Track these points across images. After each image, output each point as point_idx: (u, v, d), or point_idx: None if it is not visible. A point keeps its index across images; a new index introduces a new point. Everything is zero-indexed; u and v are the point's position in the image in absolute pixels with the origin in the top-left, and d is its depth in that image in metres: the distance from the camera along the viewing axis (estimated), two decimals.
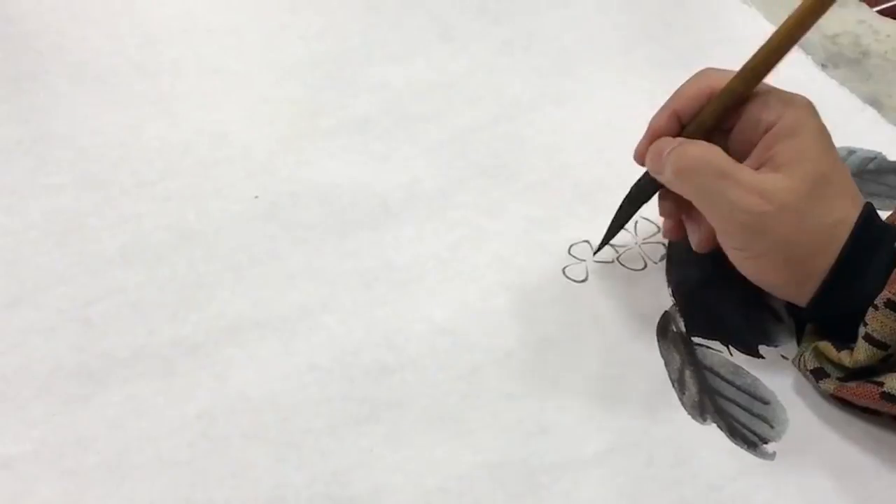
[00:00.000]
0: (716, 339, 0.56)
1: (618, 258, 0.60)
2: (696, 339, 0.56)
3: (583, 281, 0.58)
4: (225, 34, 0.75)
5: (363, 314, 0.56)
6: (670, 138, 0.54)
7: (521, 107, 0.70)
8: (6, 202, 0.61)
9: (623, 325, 0.56)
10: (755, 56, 0.51)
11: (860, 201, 0.51)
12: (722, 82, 0.52)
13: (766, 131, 0.51)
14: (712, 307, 0.57)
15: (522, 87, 0.71)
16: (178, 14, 0.76)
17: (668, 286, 0.58)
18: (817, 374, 0.52)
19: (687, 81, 0.54)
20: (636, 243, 0.61)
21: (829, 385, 0.51)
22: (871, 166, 0.65)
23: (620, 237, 0.59)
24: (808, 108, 0.52)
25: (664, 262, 0.59)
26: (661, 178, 0.54)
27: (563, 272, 0.59)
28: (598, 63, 0.74)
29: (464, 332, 0.56)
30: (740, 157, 0.52)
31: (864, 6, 0.79)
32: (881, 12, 0.79)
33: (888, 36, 0.76)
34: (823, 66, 0.73)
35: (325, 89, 0.71)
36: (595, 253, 0.59)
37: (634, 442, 0.51)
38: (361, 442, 0.51)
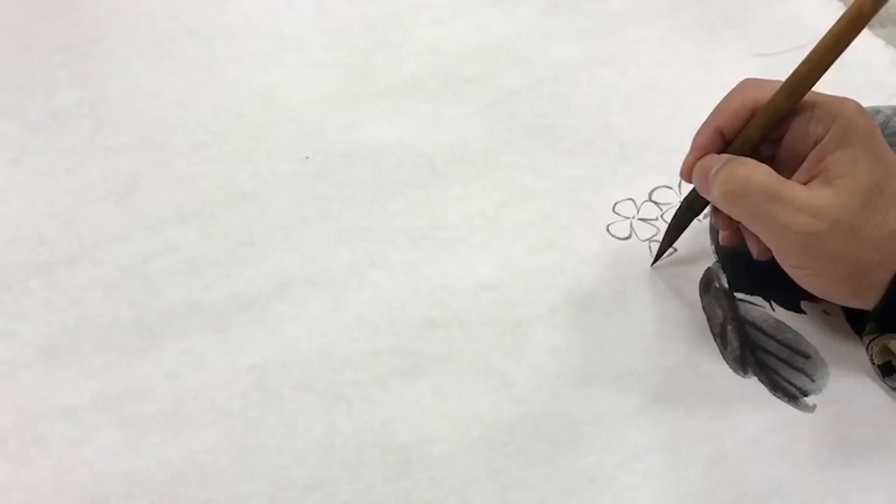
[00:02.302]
0: (758, 295, 0.56)
1: (661, 215, 0.60)
2: (738, 295, 0.56)
3: (626, 238, 0.59)
4: None
5: (410, 271, 0.58)
6: (716, 156, 0.52)
7: (567, 68, 0.70)
8: (67, 163, 0.63)
9: (666, 280, 0.57)
10: (798, 70, 0.50)
11: None
12: (765, 96, 0.51)
13: (815, 144, 0.50)
14: (755, 264, 0.57)
15: (569, 49, 0.72)
16: None
17: (711, 243, 0.59)
18: (885, 370, 0.52)
19: (728, 95, 0.53)
20: (681, 200, 0.61)
21: None
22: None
23: (664, 195, 0.60)
24: (857, 113, 0.50)
25: (708, 218, 0.60)
26: (710, 199, 0.53)
27: (607, 229, 0.60)
28: (644, 24, 0.74)
29: (508, 287, 0.57)
30: (791, 168, 0.51)
31: None
32: None
33: None
34: (870, 25, 0.73)
35: (374, 52, 0.72)
36: (652, 265, 0.58)
37: (676, 394, 0.52)
38: (408, 394, 0.52)
